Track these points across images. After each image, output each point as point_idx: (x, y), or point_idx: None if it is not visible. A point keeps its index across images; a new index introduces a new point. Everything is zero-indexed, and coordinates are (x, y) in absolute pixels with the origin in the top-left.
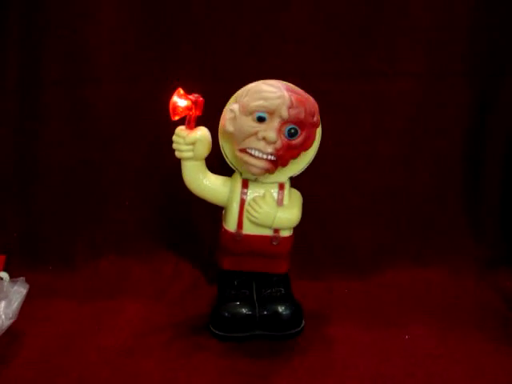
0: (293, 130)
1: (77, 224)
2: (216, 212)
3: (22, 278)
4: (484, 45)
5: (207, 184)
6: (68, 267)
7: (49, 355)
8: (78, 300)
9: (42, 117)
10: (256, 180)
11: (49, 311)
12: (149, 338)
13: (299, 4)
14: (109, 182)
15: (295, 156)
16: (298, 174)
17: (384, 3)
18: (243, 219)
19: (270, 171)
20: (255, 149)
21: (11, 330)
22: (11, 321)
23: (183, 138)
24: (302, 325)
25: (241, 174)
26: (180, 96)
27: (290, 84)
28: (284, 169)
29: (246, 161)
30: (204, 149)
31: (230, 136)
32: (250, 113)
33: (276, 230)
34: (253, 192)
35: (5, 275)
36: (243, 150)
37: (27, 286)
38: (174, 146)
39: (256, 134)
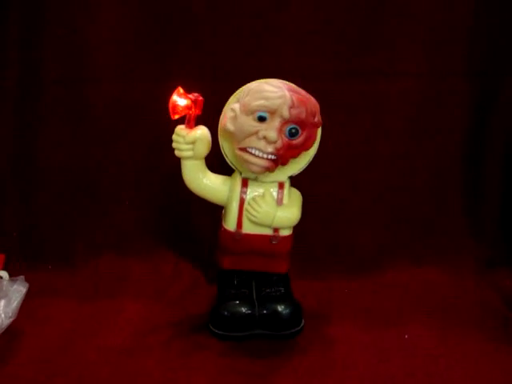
0: (294, 130)
1: (76, 224)
2: (216, 211)
3: (21, 276)
4: (484, 45)
5: (207, 183)
6: (68, 266)
7: (49, 355)
8: (77, 299)
9: (41, 117)
10: (256, 179)
11: (48, 310)
12: (149, 337)
13: (299, 4)
14: (109, 182)
15: (296, 156)
16: (297, 173)
17: (384, 3)
18: (243, 218)
19: (270, 170)
20: (255, 148)
21: (11, 328)
22: (11, 320)
23: (183, 137)
24: (302, 324)
25: (240, 173)
26: (180, 95)
27: (291, 84)
28: (284, 168)
29: (247, 159)
30: (204, 148)
31: (230, 135)
32: (250, 112)
33: (276, 230)
34: (252, 191)
35: (4, 274)
36: (243, 149)
37: (27, 284)
38: (174, 145)
39: (257, 133)
